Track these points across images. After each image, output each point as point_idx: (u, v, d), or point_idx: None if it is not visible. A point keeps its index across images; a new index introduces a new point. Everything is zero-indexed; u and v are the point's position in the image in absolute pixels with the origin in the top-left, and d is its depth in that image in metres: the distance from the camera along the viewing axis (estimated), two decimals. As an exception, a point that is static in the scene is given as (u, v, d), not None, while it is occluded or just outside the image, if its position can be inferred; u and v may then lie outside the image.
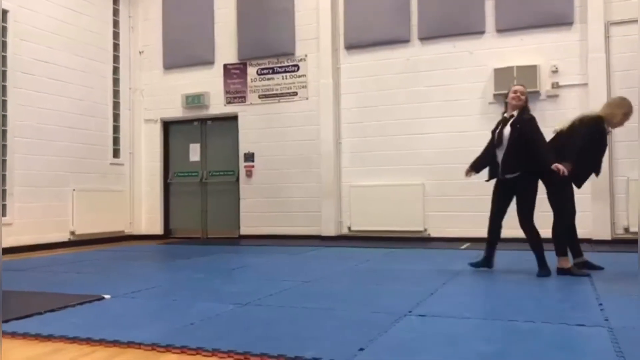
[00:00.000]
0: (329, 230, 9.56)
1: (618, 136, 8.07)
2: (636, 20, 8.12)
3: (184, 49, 10.74)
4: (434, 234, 9.02)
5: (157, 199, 10.95)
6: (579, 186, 5.41)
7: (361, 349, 2.84)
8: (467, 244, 8.24)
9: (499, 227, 5.63)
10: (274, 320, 3.61)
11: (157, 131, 11.02)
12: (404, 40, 9.33)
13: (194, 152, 10.93)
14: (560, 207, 5.31)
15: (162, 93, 10.90)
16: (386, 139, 9.36)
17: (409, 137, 9.21)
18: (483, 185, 8.72)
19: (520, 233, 5.50)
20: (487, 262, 5.65)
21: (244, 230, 10.26)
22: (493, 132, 5.67)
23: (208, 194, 10.83)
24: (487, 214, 8.60)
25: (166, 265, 7.32)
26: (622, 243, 7.87)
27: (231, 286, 5.05)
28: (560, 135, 5.50)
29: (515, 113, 5.46)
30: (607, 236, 8.07)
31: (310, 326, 3.45)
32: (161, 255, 8.51)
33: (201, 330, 3.37)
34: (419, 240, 8.90)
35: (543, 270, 5.26)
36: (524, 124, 5.36)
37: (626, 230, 8.09)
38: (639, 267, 4.62)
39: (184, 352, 2.90)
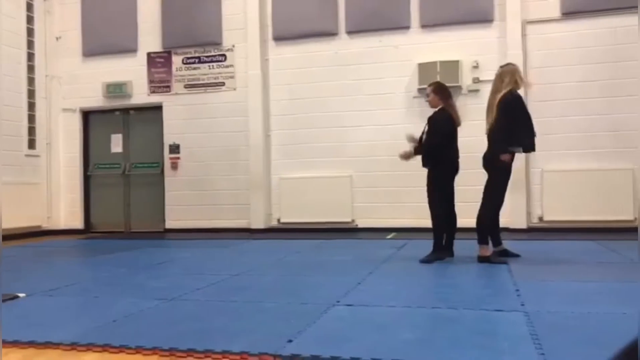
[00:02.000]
0: (258, 223, 9.50)
1: (539, 129, 8.47)
2: (549, 20, 8.55)
3: (104, 36, 10.31)
4: (361, 224, 9.17)
5: (77, 192, 10.50)
6: (531, 150, 5.64)
7: (290, 341, 2.85)
8: (393, 234, 8.44)
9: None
10: (200, 315, 3.55)
11: (76, 121, 10.54)
12: (332, 34, 9.39)
13: (116, 143, 10.54)
14: (488, 197, 5.52)
15: (82, 81, 10.43)
16: (315, 131, 9.40)
17: (338, 129, 9.29)
18: (408, 177, 8.96)
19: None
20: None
21: (170, 224, 10.02)
22: None
23: (131, 186, 10.48)
24: (413, 204, 8.87)
25: (87, 261, 7.03)
26: (537, 231, 8.30)
27: (156, 281, 4.92)
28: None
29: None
30: (523, 225, 8.48)
31: (238, 320, 3.42)
32: (81, 251, 8.17)
33: (124, 327, 3.27)
34: (347, 231, 9.02)
35: (431, 255, 5.56)
36: (429, 122, 5.69)
37: (540, 219, 8.54)
38: None
39: (105, 351, 2.80)
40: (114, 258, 6.75)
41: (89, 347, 2.85)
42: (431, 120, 5.71)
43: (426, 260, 5.54)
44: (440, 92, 5.77)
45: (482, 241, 5.48)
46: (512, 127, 5.35)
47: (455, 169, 5.77)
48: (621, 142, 8.24)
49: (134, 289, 4.59)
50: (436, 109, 5.74)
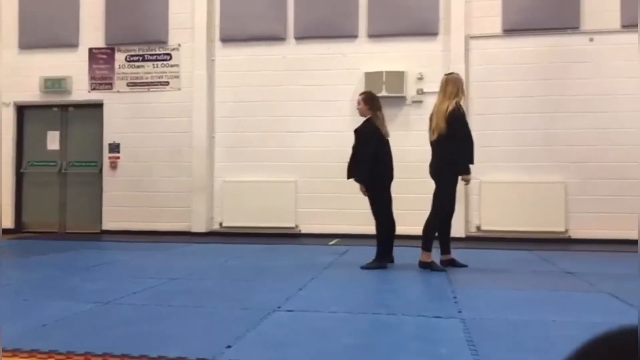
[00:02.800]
0: (200, 226, 9.34)
1: (479, 141, 8.73)
2: (491, 36, 8.84)
3: (44, 28, 9.91)
4: (304, 230, 9.17)
5: (8, 189, 10.01)
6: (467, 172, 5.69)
7: (229, 347, 2.80)
8: (336, 240, 8.48)
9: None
10: (136, 320, 3.45)
11: (9, 116, 10.07)
12: (281, 38, 9.37)
13: (53, 141, 10.13)
14: (438, 205, 5.62)
15: (17, 74, 9.97)
16: (261, 135, 9.35)
17: (284, 134, 9.27)
18: (352, 184, 9.03)
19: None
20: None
21: (107, 225, 9.71)
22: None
23: (67, 185, 10.09)
24: (356, 211, 8.95)
25: (17, 262, 6.70)
26: (475, 240, 8.54)
27: (91, 284, 4.75)
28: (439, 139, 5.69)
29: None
30: (461, 234, 8.70)
31: (175, 325, 3.34)
32: (12, 251, 7.78)
33: (55, 332, 3.13)
34: (290, 237, 9.00)
35: (373, 263, 5.63)
36: (358, 134, 5.77)
37: (478, 228, 8.78)
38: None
39: (33, 357, 2.67)
40: (47, 259, 6.47)
41: (15, 352, 2.71)
42: (358, 133, 5.78)
43: (368, 267, 5.59)
44: (371, 102, 5.87)
45: (426, 247, 5.57)
46: (457, 141, 5.46)
47: (390, 177, 5.83)
48: (555, 156, 8.60)
49: (67, 291, 4.41)
50: (363, 120, 5.81)
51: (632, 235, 8.06)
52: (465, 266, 5.78)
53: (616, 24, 8.49)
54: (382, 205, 5.74)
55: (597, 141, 8.44)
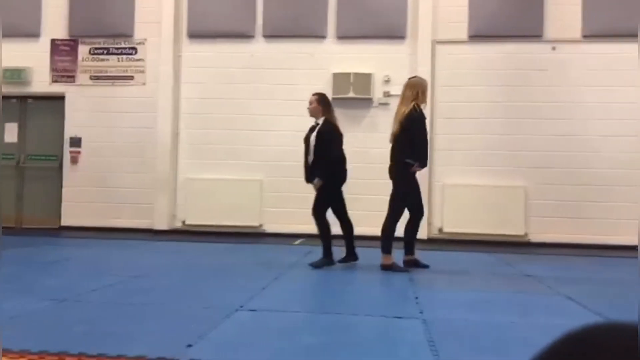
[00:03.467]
0: (162, 224, 9.20)
1: (438, 144, 8.87)
2: (457, 42, 8.98)
3: (3, 17, 9.60)
4: (269, 229, 9.13)
5: (-38, 182, 9.69)
6: (424, 167, 5.75)
7: (189, 345, 2.77)
8: (301, 240, 8.47)
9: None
10: (95, 317, 3.37)
11: (-35, 106, 9.74)
12: (249, 36, 9.31)
13: (10, 133, 9.82)
14: (393, 206, 5.66)
15: (-25, 63, 9.65)
16: (226, 133, 9.26)
17: (250, 132, 9.20)
18: (317, 184, 9.04)
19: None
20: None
21: (66, 220, 9.47)
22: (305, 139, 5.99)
23: (25, 179, 9.81)
24: (320, 211, 8.95)
25: (-31, 258, 6.48)
26: (437, 242, 8.64)
27: (48, 280, 4.63)
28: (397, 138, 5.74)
29: (320, 121, 5.84)
30: (423, 236, 8.76)
31: (135, 323, 3.28)
32: (-36, 246, 7.52)
33: (9, 329, 3.03)
34: (255, 236, 8.94)
35: (321, 261, 5.69)
36: (321, 134, 5.77)
37: (440, 230, 8.90)
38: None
39: (-15, 355, 2.58)
40: (2, 255, 6.27)
41: (-34, 350, 2.61)
42: (322, 134, 5.77)
43: (316, 265, 5.62)
44: (324, 103, 5.92)
45: (385, 250, 5.60)
46: (412, 142, 5.53)
47: (344, 177, 5.89)
48: (516, 161, 8.78)
49: (22, 288, 4.29)
50: (322, 121, 5.82)
51: (589, 239, 8.30)
52: (427, 267, 5.83)
53: (577, 34, 8.73)
54: (325, 205, 5.80)
55: (558, 147, 8.65)
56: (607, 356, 0.60)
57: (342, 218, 5.93)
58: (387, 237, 5.61)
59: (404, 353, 2.81)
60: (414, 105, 5.57)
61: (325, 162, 5.72)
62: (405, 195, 5.67)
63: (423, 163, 5.70)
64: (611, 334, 0.63)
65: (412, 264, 5.78)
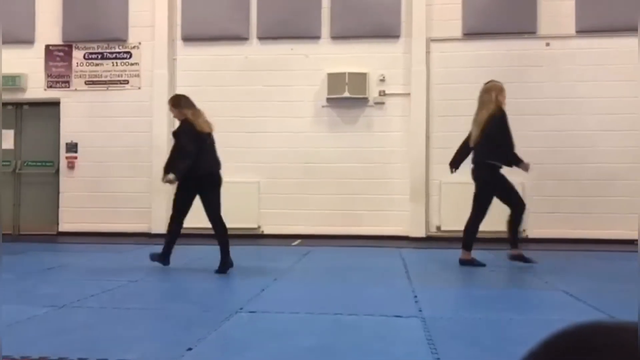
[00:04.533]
0: (160, 227, 9.15)
1: (434, 142, 8.89)
2: (452, 39, 8.99)
3: (-3, 24, 9.60)
4: (267, 231, 9.13)
5: (-41, 190, 9.67)
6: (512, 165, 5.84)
7: (189, 349, 2.77)
8: (299, 241, 8.47)
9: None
10: (94, 323, 3.37)
11: (-40, 113, 9.72)
12: (243, 38, 9.31)
13: (7, 139, 9.80)
14: (476, 207, 5.82)
15: (-31, 71, 9.63)
16: (223, 136, 9.16)
17: (246, 134, 9.20)
18: (314, 184, 9.07)
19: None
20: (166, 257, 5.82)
21: (64, 226, 9.46)
22: None
23: (22, 185, 9.79)
24: (318, 212, 8.98)
25: (-33, 265, 6.47)
26: (435, 240, 8.66)
27: (46, 287, 4.62)
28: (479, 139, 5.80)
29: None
30: (422, 234, 8.82)
31: (135, 327, 3.28)
32: (-38, 254, 7.51)
33: (8, 336, 3.03)
34: (253, 237, 8.94)
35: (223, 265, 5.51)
36: (174, 136, 5.81)
37: (438, 228, 8.91)
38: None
39: (-15, 362, 2.58)
40: (1, 261, 6.26)
41: (-34, 358, 2.62)
42: (175, 135, 5.79)
43: (221, 271, 5.41)
44: (178, 105, 5.85)
45: (466, 246, 5.80)
46: (496, 144, 5.61)
47: (210, 178, 5.82)
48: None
49: (21, 295, 4.28)
50: (180, 123, 5.82)
51: (587, 234, 8.32)
52: (534, 262, 5.82)
53: (571, 29, 8.75)
54: (218, 207, 5.81)
55: (554, 143, 8.66)
56: (599, 356, 0.60)
57: (214, 220, 5.84)
58: (468, 235, 5.83)
59: (403, 352, 2.82)
60: (494, 108, 5.65)
61: (179, 160, 5.59)
62: (489, 197, 5.76)
63: (510, 163, 5.80)
64: (605, 332, 0.63)
65: (518, 258, 5.82)
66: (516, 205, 5.85)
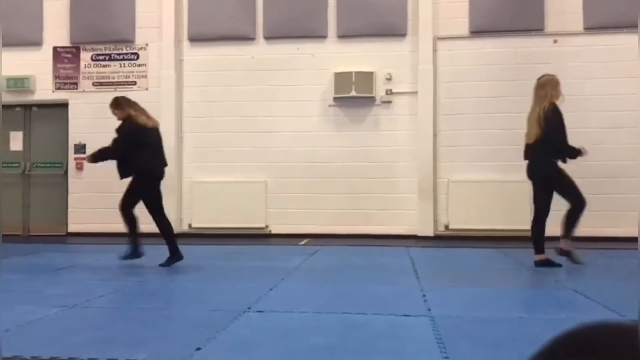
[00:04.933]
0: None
1: (441, 141, 8.87)
2: (458, 37, 8.97)
3: (5, 26, 9.64)
4: (275, 230, 9.14)
5: (-31, 191, 9.74)
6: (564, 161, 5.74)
7: (198, 349, 2.78)
8: (306, 240, 8.48)
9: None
10: (104, 323, 3.39)
11: (-30, 116, 9.79)
12: (249, 38, 9.33)
13: (16, 141, 9.87)
14: (537, 206, 5.69)
15: (-22, 73, 9.69)
16: (230, 135, 9.28)
17: (253, 134, 9.22)
18: (322, 184, 9.07)
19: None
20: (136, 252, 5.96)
21: (73, 227, 9.51)
22: None
23: (31, 187, 9.86)
24: (326, 211, 8.98)
25: (-22, 266, 6.52)
26: (443, 239, 8.64)
27: (56, 288, 4.65)
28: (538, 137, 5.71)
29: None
30: (430, 233, 8.80)
31: (144, 327, 3.29)
32: (-28, 255, 7.57)
33: (18, 336, 3.05)
34: (261, 237, 8.96)
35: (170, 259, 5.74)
36: (118, 132, 5.96)
37: (446, 227, 8.89)
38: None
39: (-4, 363, 2.60)
40: (10, 263, 6.30)
41: (-23, 359, 2.64)
42: (117, 132, 5.95)
43: (165, 264, 5.68)
44: (119, 106, 6.05)
45: (536, 249, 5.60)
46: (551, 140, 5.53)
47: (153, 175, 5.94)
48: (520, 155, 8.69)
49: (31, 295, 4.31)
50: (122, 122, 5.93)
51: (594, 232, 8.26)
52: (581, 263, 5.69)
53: (579, 26, 8.70)
54: (132, 204, 5.95)
55: (561, 141, 8.60)
56: (604, 356, 0.60)
57: (155, 217, 5.98)
58: (536, 236, 5.63)
59: (412, 351, 2.82)
60: (548, 104, 5.57)
61: (109, 151, 5.90)
62: (550, 192, 5.63)
63: (566, 157, 5.67)
64: (611, 333, 0.63)
65: (566, 254, 5.65)
66: (576, 201, 5.66)
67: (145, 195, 5.94)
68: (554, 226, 5.76)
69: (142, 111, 6.01)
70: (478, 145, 8.83)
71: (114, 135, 9.68)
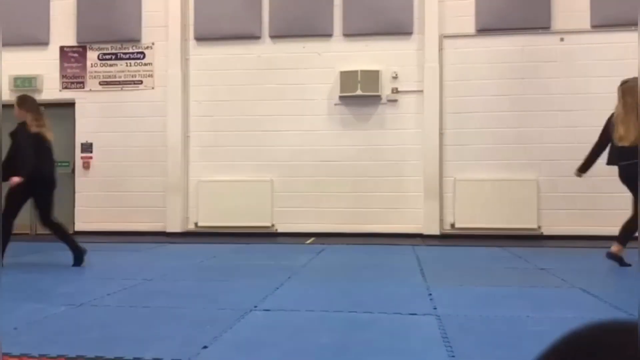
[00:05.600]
0: (175, 226, 9.26)
1: (448, 139, 8.85)
2: (465, 36, 8.94)
3: (12, 25, 9.69)
4: (281, 229, 9.16)
5: (-23, 190, 9.79)
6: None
7: (205, 347, 2.79)
8: (312, 239, 8.49)
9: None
10: (111, 321, 3.40)
11: (-22, 115, 9.83)
12: (255, 37, 9.34)
13: (23, 140, 9.91)
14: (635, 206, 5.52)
15: (-14, 73, 9.74)
16: (236, 134, 9.30)
17: (259, 133, 9.24)
18: (328, 183, 9.08)
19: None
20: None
21: (80, 226, 9.55)
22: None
23: (39, 186, 9.89)
24: (332, 210, 8.98)
25: (-14, 265, 6.56)
26: (449, 238, 8.63)
27: (64, 286, 4.67)
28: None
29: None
30: (436, 231, 8.79)
31: (151, 326, 3.30)
32: (-20, 254, 7.60)
33: (26, 335, 3.07)
34: (267, 236, 8.97)
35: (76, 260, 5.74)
36: (11, 137, 5.82)
37: (452, 226, 8.87)
38: None
39: (5, 360, 2.62)
40: (18, 262, 6.34)
41: (-14, 356, 2.65)
42: (14, 135, 5.80)
43: (77, 264, 5.72)
44: (24, 105, 5.89)
45: (620, 241, 5.53)
46: None
47: (45, 180, 5.88)
48: (527, 154, 8.74)
49: (39, 294, 4.34)
50: (19, 122, 5.80)
51: (602, 231, 8.22)
52: (628, 265, 5.59)
53: (586, 24, 8.66)
54: (16, 208, 5.81)
55: (568, 139, 8.58)
56: (610, 355, 0.60)
57: (45, 222, 5.90)
58: (627, 232, 5.56)
59: (418, 349, 2.82)
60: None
61: (20, 161, 5.64)
62: None
63: None
64: (618, 332, 0.63)
65: (615, 258, 5.58)
66: None
67: (34, 199, 5.89)
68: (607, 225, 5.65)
69: (40, 118, 5.95)
70: (484, 143, 8.81)
71: (121, 133, 9.66)
